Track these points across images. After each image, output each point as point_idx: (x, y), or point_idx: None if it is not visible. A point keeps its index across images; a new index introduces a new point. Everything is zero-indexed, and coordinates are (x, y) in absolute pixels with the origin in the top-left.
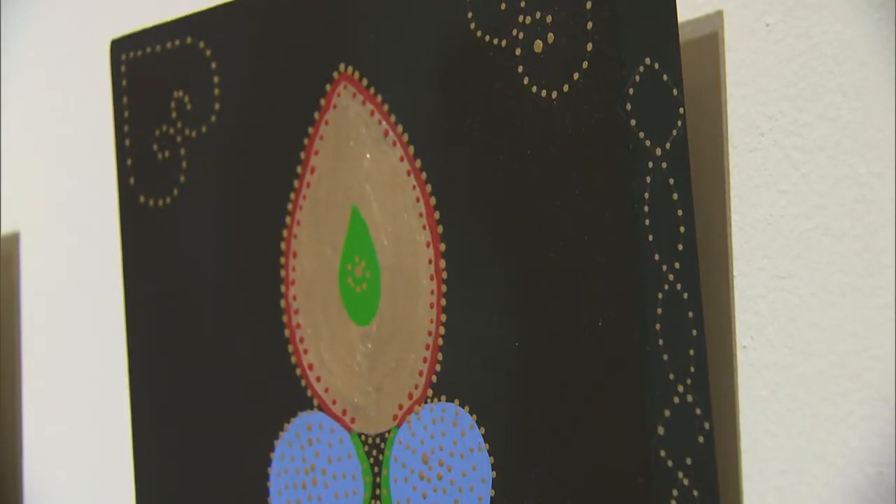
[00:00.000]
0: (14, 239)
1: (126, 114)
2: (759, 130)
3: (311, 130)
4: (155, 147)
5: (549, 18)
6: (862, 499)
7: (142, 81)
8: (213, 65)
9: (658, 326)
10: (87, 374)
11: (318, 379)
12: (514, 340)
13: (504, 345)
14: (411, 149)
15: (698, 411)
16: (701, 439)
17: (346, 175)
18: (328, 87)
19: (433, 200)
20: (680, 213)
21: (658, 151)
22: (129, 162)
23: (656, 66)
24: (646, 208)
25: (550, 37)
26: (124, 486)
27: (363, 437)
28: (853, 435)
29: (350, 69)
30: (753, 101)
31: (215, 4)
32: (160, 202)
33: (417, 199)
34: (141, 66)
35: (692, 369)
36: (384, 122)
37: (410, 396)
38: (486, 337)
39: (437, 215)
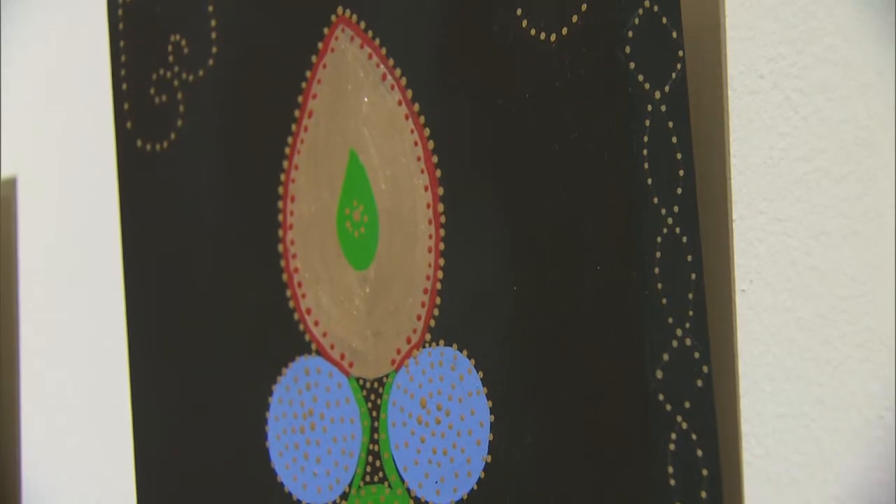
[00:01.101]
0: (11, 184)
1: (123, 58)
2: (759, 73)
3: (308, 74)
4: (152, 91)
5: None
6: (861, 442)
7: (139, 25)
8: (210, 8)
9: (657, 270)
10: (85, 318)
11: (317, 323)
12: (513, 284)
13: (502, 289)
14: (409, 92)
15: (697, 355)
16: (700, 383)
17: (344, 119)
18: (326, 30)
19: (431, 144)
20: (679, 156)
21: (657, 95)
22: (126, 106)
23: (655, 8)
24: (645, 152)
25: None
26: (121, 436)
27: (361, 382)
28: (852, 378)
29: (348, 12)
30: (753, 43)
31: None
32: (157, 146)
33: (416, 143)
34: (138, 9)
35: (691, 313)
36: (382, 66)
37: (409, 341)
38: (484, 281)
39: (435, 159)
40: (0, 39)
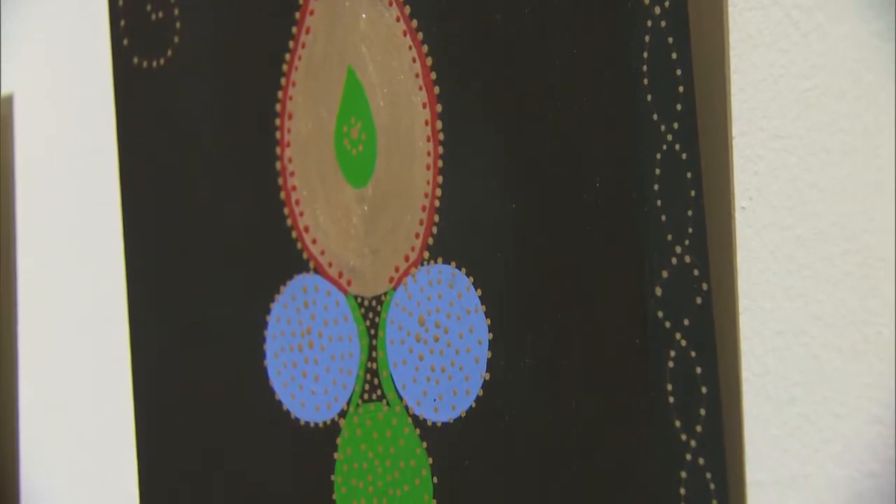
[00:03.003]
0: (8, 101)
1: None
2: None
3: None
4: (148, 7)
5: None
6: (859, 358)
7: None
8: None
9: (656, 187)
10: (82, 237)
11: (314, 241)
12: (511, 202)
13: (501, 206)
14: (407, 9)
15: (696, 272)
16: (699, 300)
17: (342, 36)
18: None
19: (430, 61)
20: (679, 72)
21: (657, 10)
22: (122, 23)
23: None
24: (644, 68)
25: None
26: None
27: (359, 300)
28: (851, 296)
29: None
30: None
31: None
32: (154, 63)
33: (414, 60)
34: None
35: (690, 230)
36: None
37: (406, 259)
38: (482, 199)
39: (433, 76)
40: None
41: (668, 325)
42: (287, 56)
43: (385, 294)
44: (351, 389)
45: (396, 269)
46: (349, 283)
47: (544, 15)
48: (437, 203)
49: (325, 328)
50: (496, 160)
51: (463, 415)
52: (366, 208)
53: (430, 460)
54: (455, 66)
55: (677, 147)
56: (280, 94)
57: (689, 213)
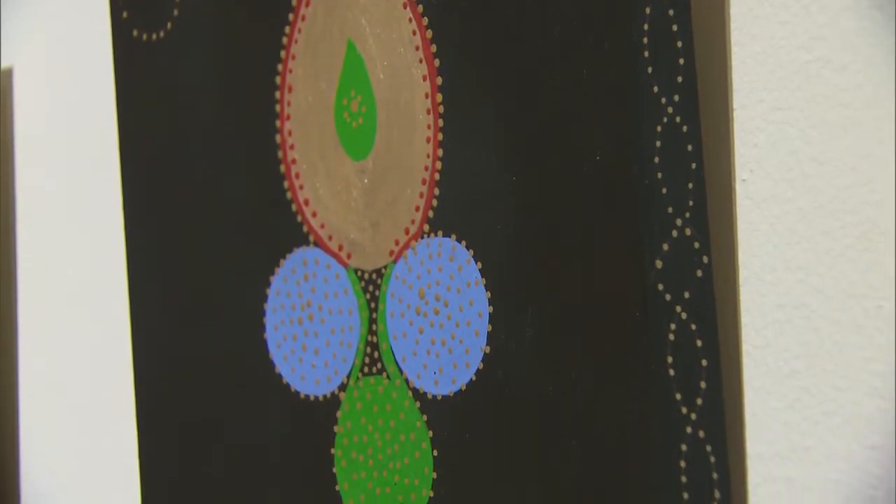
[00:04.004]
0: (8, 74)
1: None
2: None
3: None
4: None
5: None
6: (860, 332)
7: None
8: None
9: (657, 160)
10: (81, 210)
11: (314, 214)
12: (512, 175)
13: (502, 179)
14: None
15: (697, 245)
16: (699, 273)
17: (342, 8)
18: None
19: (430, 34)
20: (679, 44)
21: None
22: None
23: None
24: (645, 40)
25: None
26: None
27: (359, 273)
28: (852, 269)
29: None
30: None
31: None
32: (153, 36)
33: (414, 33)
34: None
35: (691, 203)
36: None
37: (407, 232)
38: (483, 172)
39: (433, 49)
40: None
41: (668, 297)
42: (287, 29)
43: (385, 267)
44: (351, 363)
45: (396, 243)
46: (349, 256)
47: None
48: (437, 176)
49: (325, 301)
50: (496, 133)
51: (463, 388)
52: (366, 181)
53: (431, 433)
54: (455, 38)
55: (678, 120)
56: (280, 66)
57: (690, 185)
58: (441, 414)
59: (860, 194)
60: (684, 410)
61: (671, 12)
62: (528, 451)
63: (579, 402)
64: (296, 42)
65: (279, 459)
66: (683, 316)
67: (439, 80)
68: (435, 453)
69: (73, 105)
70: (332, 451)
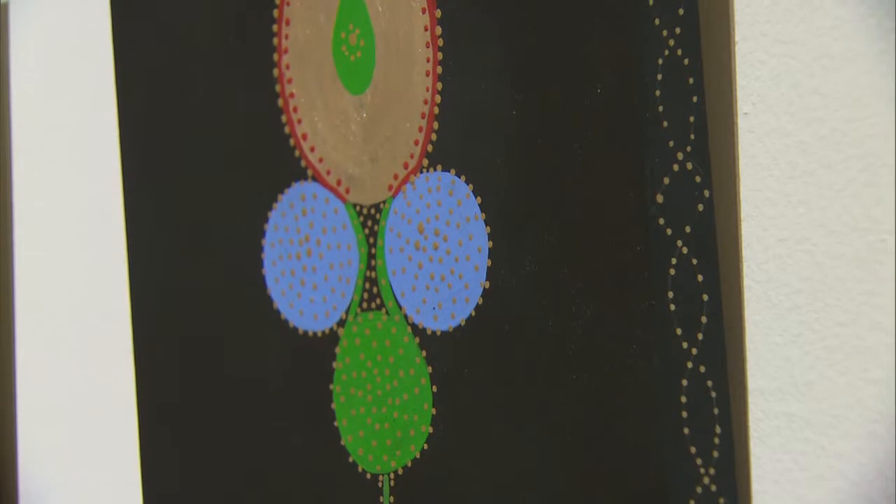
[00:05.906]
0: (3, 9)
1: None
2: None
3: None
4: None
5: None
6: (862, 266)
7: None
8: None
9: (658, 93)
10: (78, 144)
11: (313, 149)
12: (512, 109)
13: (501, 113)
14: None
15: (698, 179)
16: (700, 207)
17: None
18: None
19: None
20: None
21: None
22: None
23: None
24: None
25: None
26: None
27: (358, 208)
28: (854, 203)
29: None
30: None
31: None
32: None
33: None
34: None
35: (692, 136)
36: None
37: (406, 166)
38: (482, 106)
39: None
40: None
41: (669, 232)
42: None
43: (384, 202)
44: (350, 298)
45: (395, 177)
46: (348, 190)
47: None
48: (436, 110)
49: (324, 236)
50: (496, 66)
51: (462, 323)
52: (364, 115)
53: (430, 369)
54: None
55: (679, 52)
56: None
57: (691, 119)
58: (440, 349)
59: (862, 127)
60: (685, 345)
61: None
62: (527, 386)
63: (579, 338)
64: None
65: (278, 395)
66: (684, 250)
67: (438, 13)
68: (434, 389)
69: (70, 39)
70: (331, 386)
